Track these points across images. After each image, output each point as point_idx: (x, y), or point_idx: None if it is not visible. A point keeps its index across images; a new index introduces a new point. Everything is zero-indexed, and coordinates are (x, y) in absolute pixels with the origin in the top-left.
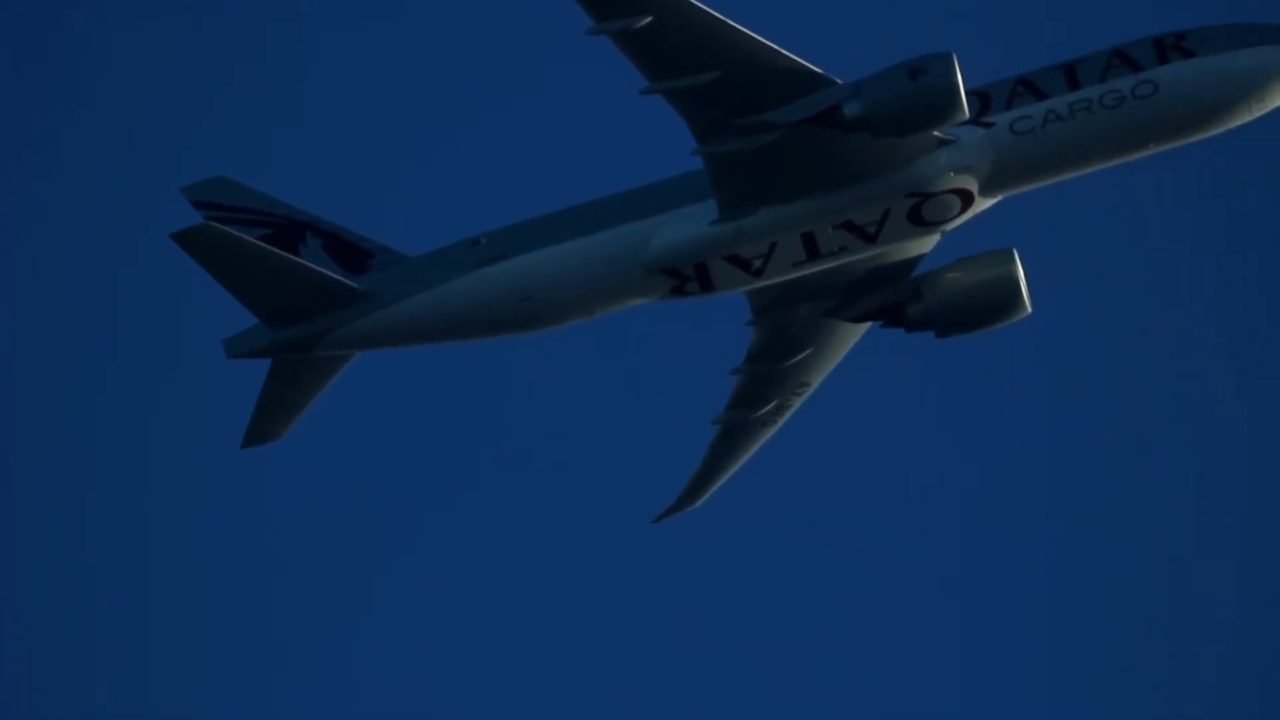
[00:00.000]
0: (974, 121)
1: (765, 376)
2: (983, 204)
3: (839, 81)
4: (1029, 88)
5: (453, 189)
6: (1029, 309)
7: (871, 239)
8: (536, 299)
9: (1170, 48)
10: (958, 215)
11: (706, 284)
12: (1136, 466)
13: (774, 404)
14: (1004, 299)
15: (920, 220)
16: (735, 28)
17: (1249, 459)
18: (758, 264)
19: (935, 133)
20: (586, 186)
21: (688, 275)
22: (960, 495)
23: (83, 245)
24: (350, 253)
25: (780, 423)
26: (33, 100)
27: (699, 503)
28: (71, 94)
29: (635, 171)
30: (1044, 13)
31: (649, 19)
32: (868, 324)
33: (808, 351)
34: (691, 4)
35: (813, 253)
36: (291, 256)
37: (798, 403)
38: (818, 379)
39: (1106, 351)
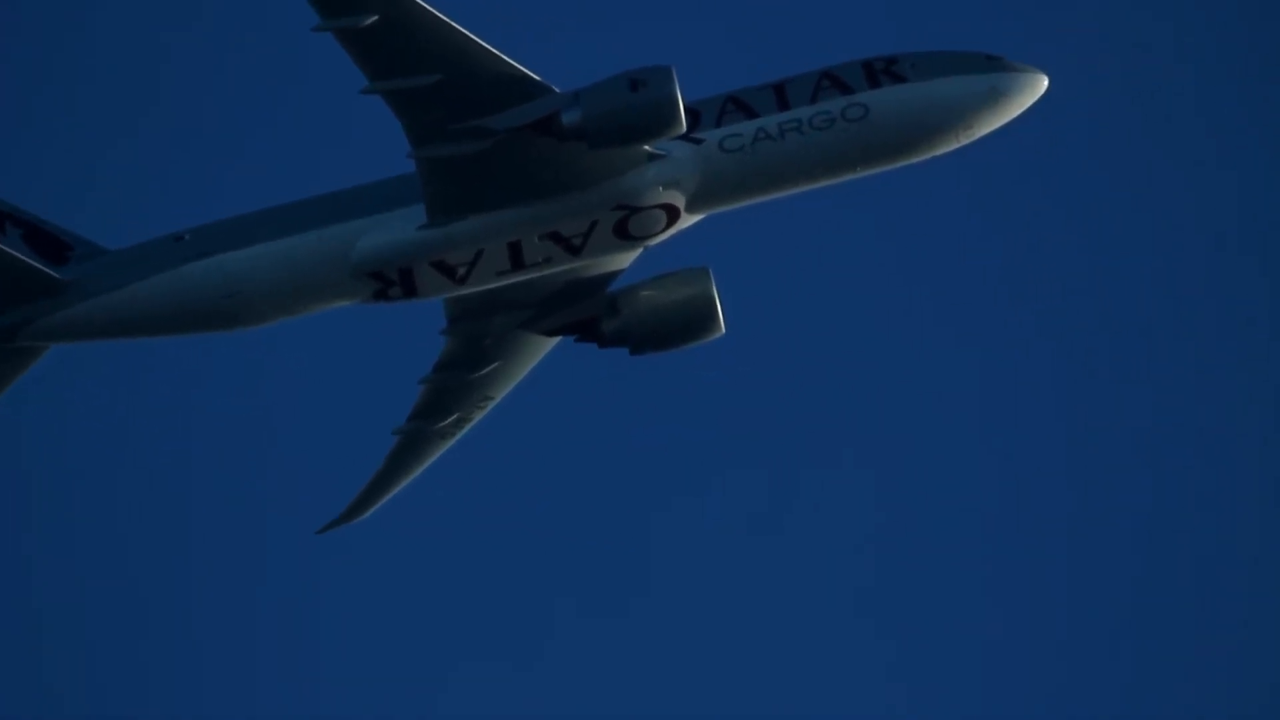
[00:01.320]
0: (683, 137)
1: (451, 387)
2: (688, 220)
3: (558, 90)
4: (739, 106)
5: (151, 183)
6: (723, 329)
7: (576, 251)
8: (240, 296)
9: (881, 72)
10: (662, 231)
11: (410, 289)
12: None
13: (455, 416)
14: (699, 318)
15: (626, 234)
16: (460, 31)
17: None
18: (462, 271)
19: (646, 147)
20: (294, 186)
21: (392, 280)
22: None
23: None
24: (49, 243)
25: (458, 436)
26: None
27: (366, 514)
28: None
29: (343, 173)
30: (755, 33)
31: (375, 18)
32: (559, 338)
33: (496, 364)
34: (419, 5)
35: (517, 262)
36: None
37: (479, 416)
38: (502, 393)
39: (799, 372)
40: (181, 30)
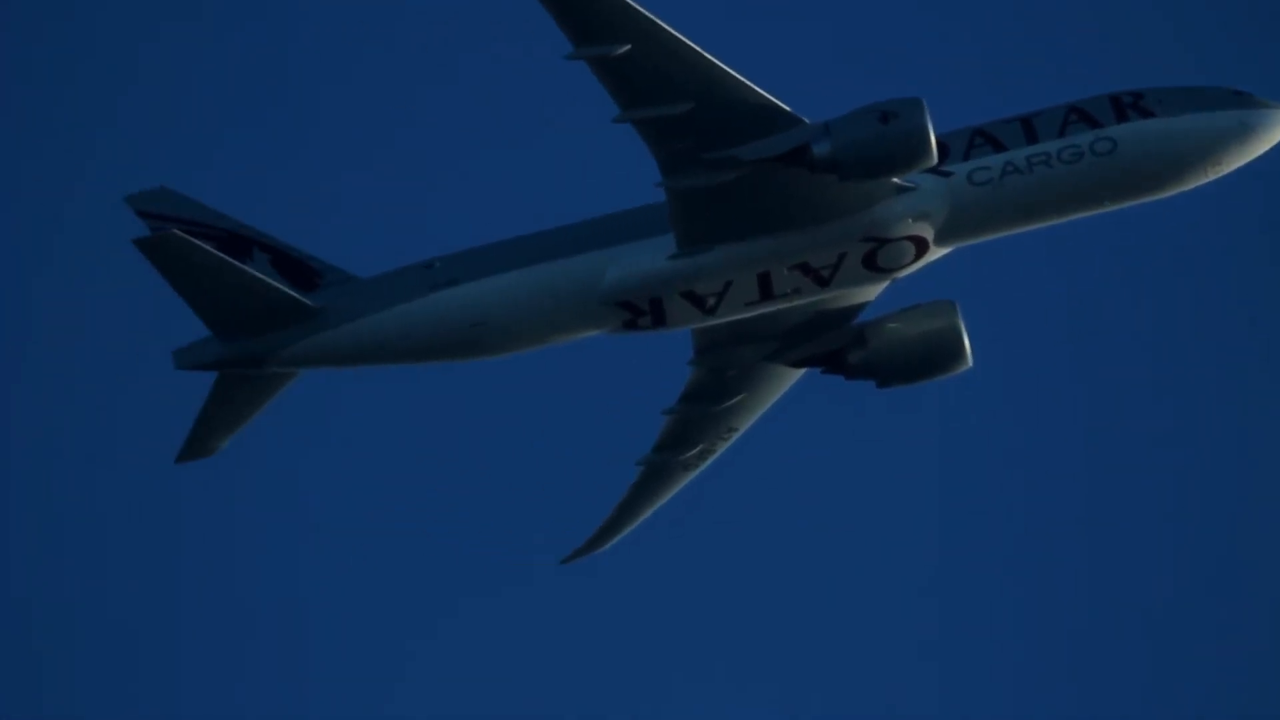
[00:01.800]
0: (932, 170)
1: (696, 418)
2: (936, 253)
3: (807, 121)
4: (987, 139)
5: (402, 212)
6: (970, 362)
7: (825, 282)
8: (488, 325)
9: (1128, 106)
10: (911, 263)
11: (659, 319)
12: (1074, 523)
13: (700, 448)
14: (947, 351)
15: (874, 266)
16: (712, 61)
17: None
18: (712, 301)
19: (895, 179)
20: (543, 215)
21: (642, 309)
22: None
23: (19, 251)
24: (298, 270)
25: (702, 467)
26: None
27: (608, 545)
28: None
29: (591, 202)
30: (991, 66)
31: (628, 47)
32: (804, 370)
33: (742, 395)
34: (671, 35)
35: (766, 293)
36: (252, 270)
37: (723, 448)
38: (747, 424)
39: (1046, 407)
40: (433, 62)
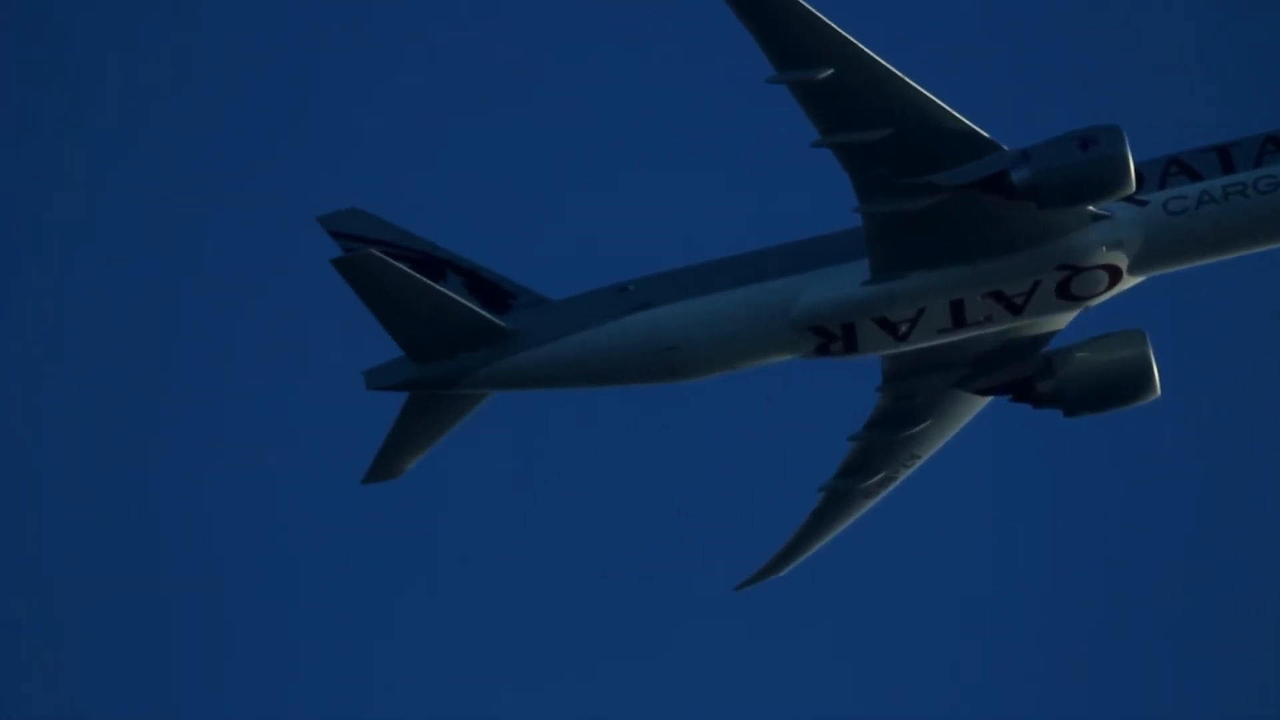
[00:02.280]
0: (1128, 199)
1: (881, 445)
2: (1129, 282)
3: (1005, 148)
4: (1182, 168)
5: (595, 235)
6: (1159, 392)
7: (1018, 310)
8: (683, 349)
9: None
10: (1104, 292)
11: (851, 345)
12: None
13: (882, 475)
14: (1136, 381)
15: (1068, 295)
16: (913, 86)
17: None
18: (904, 328)
19: (1090, 207)
20: (737, 239)
21: (834, 335)
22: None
23: (211, 268)
24: (491, 292)
25: (882, 495)
26: (148, 122)
27: (784, 571)
28: (194, 114)
29: (786, 226)
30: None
31: (831, 72)
32: (989, 398)
33: (928, 423)
34: (874, 60)
35: (959, 321)
36: (448, 292)
37: (904, 475)
38: (929, 452)
39: (1234, 440)
40: (632, 78)
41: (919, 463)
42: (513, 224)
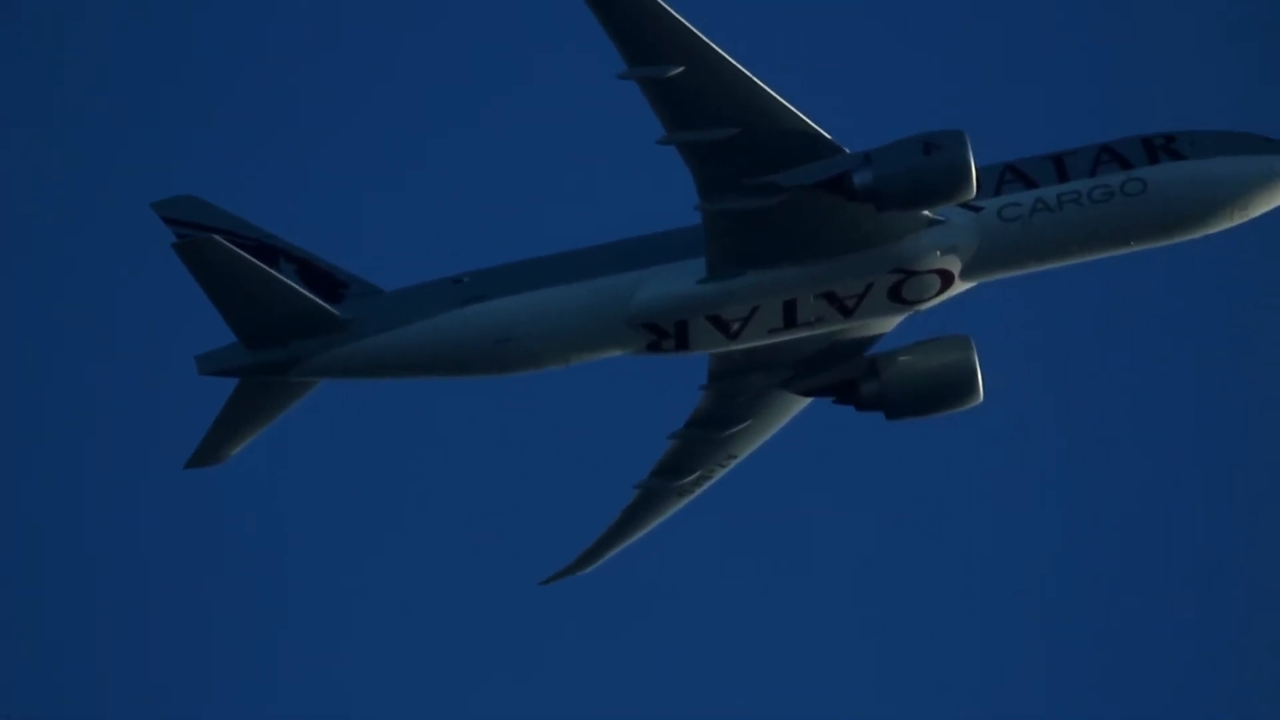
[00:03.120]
0: (963, 204)
1: (699, 444)
2: (960, 287)
3: (847, 150)
4: (1018, 175)
5: (431, 227)
6: (982, 397)
7: (849, 312)
8: (515, 342)
9: (1160, 148)
10: (934, 296)
11: (683, 343)
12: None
13: (697, 474)
14: (960, 385)
15: (899, 298)
16: (761, 86)
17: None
18: (736, 327)
19: (927, 212)
20: (574, 235)
21: (667, 332)
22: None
23: (46, 254)
24: (324, 281)
25: (696, 494)
26: None
27: (591, 568)
28: (34, 102)
29: (624, 222)
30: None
31: (681, 69)
32: (811, 399)
33: (748, 422)
34: (723, 59)
35: (790, 321)
36: (285, 279)
37: (719, 474)
38: (746, 452)
39: (1054, 444)
40: (465, 80)
41: (734, 462)
42: (346, 214)
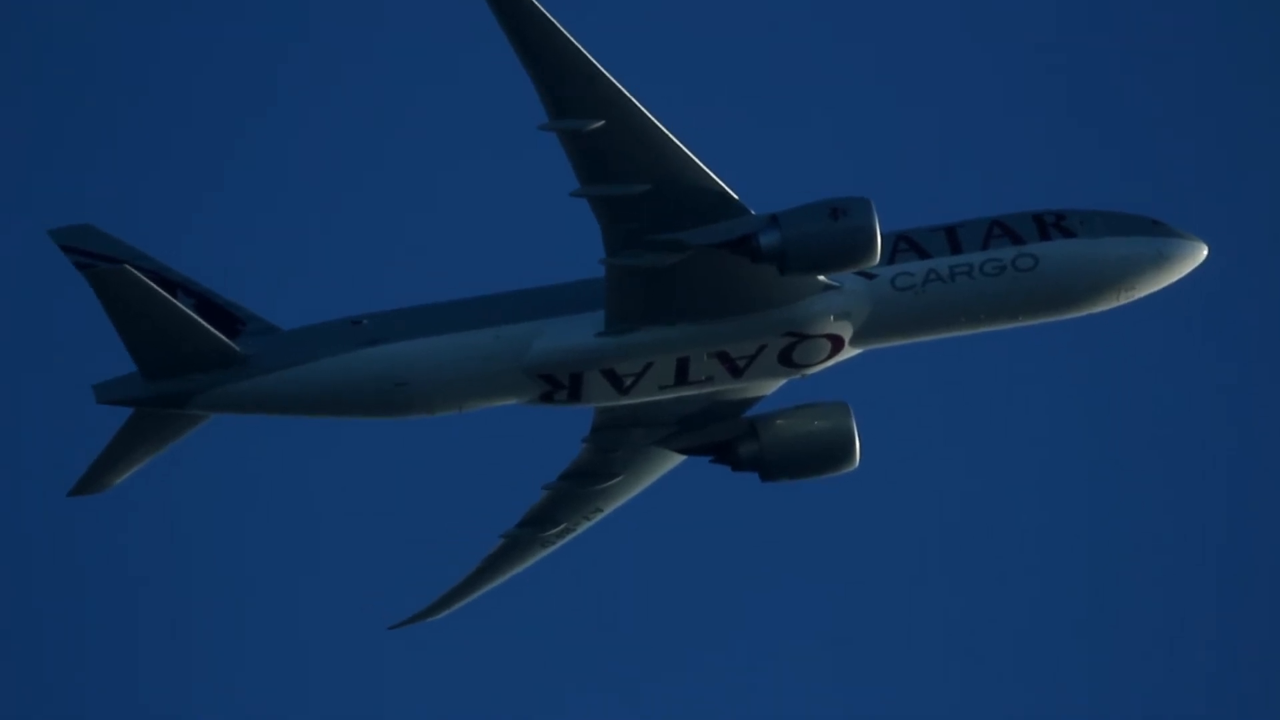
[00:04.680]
0: (857, 271)
1: (569, 496)
2: (849, 353)
3: (753, 212)
4: (911, 245)
5: (329, 266)
6: (857, 463)
7: (738, 373)
8: (412, 386)
9: (1051, 225)
10: (823, 360)
11: (576, 394)
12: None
13: (563, 526)
14: (837, 450)
15: (789, 361)
16: (677, 144)
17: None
18: (629, 381)
19: (822, 277)
20: (474, 282)
21: (562, 383)
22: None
23: None
24: (222, 316)
25: (558, 545)
26: None
27: (442, 614)
28: None
29: (523, 272)
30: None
31: (601, 123)
32: (684, 457)
33: (621, 477)
34: (644, 116)
35: (681, 378)
36: (191, 313)
37: (584, 527)
38: (613, 506)
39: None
40: (376, 119)
41: (600, 516)
42: (238, 250)
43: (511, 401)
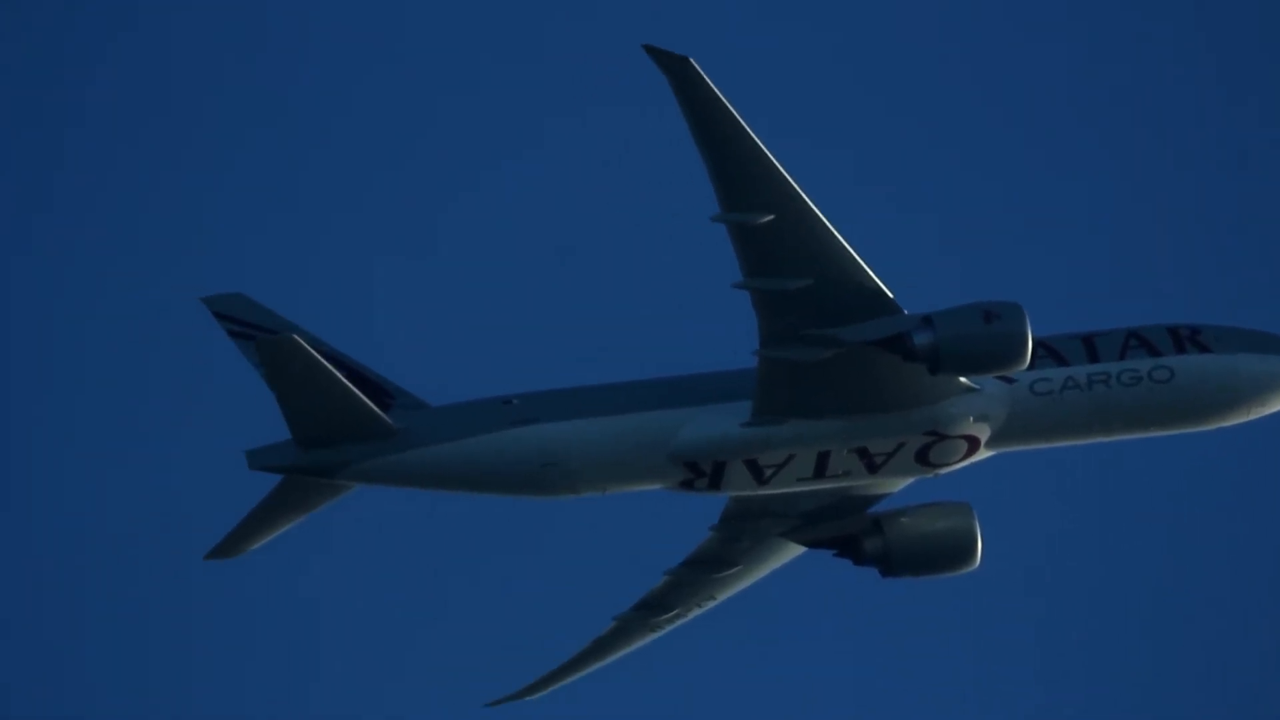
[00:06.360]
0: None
1: (688, 582)
2: (983, 454)
3: (905, 311)
4: (1049, 352)
5: (484, 349)
6: (978, 563)
7: (875, 469)
8: (560, 467)
9: (1186, 339)
10: (957, 461)
11: (716, 483)
12: None
13: (675, 611)
14: (959, 550)
15: (925, 460)
16: (841, 241)
17: None
18: (769, 473)
19: (964, 379)
20: (625, 367)
21: (704, 471)
22: None
23: (90, 340)
24: (372, 390)
25: (666, 630)
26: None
27: (542, 694)
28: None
29: (674, 360)
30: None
31: (770, 218)
32: (803, 549)
33: (740, 566)
34: (813, 213)
35: (820, 472)
36: (351, 386)
37: (695, 614)
38: (726, 595)
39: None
40: (532, 208)
41: (711, 604)
42: (387, 325)
43: (654, 486)
